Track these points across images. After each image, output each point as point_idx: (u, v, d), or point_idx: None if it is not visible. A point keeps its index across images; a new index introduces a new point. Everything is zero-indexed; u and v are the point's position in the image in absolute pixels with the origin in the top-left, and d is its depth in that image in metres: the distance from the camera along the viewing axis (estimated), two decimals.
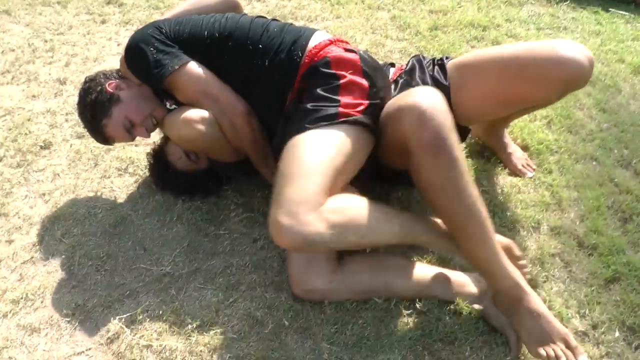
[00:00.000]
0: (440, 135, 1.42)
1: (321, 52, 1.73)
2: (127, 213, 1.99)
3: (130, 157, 2.21)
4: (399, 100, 1.54)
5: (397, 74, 1.92)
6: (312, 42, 1.77)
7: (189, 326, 1.60)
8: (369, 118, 1.60)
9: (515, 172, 2.18)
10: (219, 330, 1.60)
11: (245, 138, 1.85)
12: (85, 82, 1.98)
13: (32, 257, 1.83)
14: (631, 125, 2.45)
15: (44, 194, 2.05)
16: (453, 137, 1.44)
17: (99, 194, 2.06)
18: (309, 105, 1.61)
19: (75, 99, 2.14)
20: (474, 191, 1.48)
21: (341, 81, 1.64)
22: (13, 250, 1.85)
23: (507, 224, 1.95)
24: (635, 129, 2.42)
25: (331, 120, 1.56)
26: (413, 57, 1.99)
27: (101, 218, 1.96)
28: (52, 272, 1.78)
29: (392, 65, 2.01)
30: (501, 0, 3.44)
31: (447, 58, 1.92)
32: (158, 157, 2.05)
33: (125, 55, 1.88)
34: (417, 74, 1.87)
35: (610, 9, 3.39)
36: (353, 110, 1.58)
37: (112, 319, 1.64)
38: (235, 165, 2.01)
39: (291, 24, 1.89)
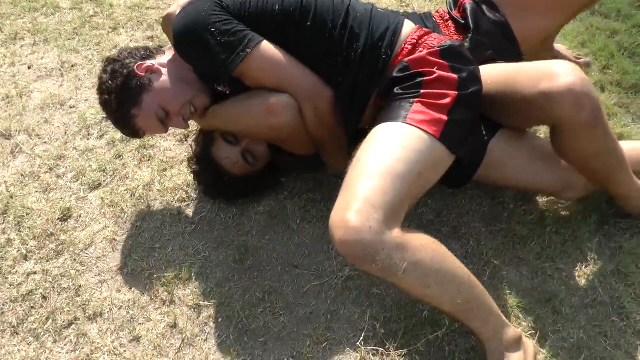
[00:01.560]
0: (597, 111, 1.37)
1: (415, 48, 1.49)
2: (242, 239, 1.67)
3: (184, 181, 1.83)
4: (536, 83, 1.39)
5: (462, 36, 1.70)
6: (403, 37, 1.51)
7: None
8: (458, 125, 1.37)
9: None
10: None
11: (328, 126, 1.59)
12: (108, 63, 1.60)
13: (185, 339, 1.46)
14: None
15: (120, 268, 1.62)
16: (601, 106, 1.40)
17: (187, 236, 1.69)
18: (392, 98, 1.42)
19: (41, 147, 1.87)
20: (618, 144, 1.49)
21: (428, 77, 1.40)
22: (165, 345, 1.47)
23: None
24: None
25: (409, 100, 1.37)
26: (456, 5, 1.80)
27: (220, 259, 1.63)
28: (229, 344, 1.46)
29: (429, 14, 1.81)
30: None
31: None
32: (208, 164, 1.73)
33: (178, 42, 1.51)
34: (483, 28, 1.69)
35: None
36: (437, 102, 1.36)
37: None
38: (300, 160, 1.76)
39: (373, 5, 1.59)
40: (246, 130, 1.61)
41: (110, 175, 1.85)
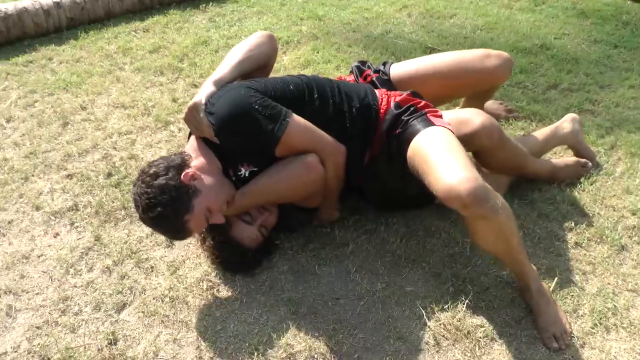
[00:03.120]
0: (501, 134, 2.06)
1: (389, 99, 2.01)
2: (283, 297, 1.91)
3: (201, 273, 1.98)
4: (464, 125, 1.99)
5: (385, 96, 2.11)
6: (377, 93, 2.04)
7: None
8: None
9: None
10: None
11: (341, 177, 1.99)
12: (151, 179, 1.76)
13: None
14: None
15: (200, 358, 1.71)
16: (501, 128, 2.10)
17: (237, 311, 1.86)
18: (404, 119, 1.90)
19: (37, 299, 1.91)
20: (518, 144, 2.19)
21: (419, 105, 1.95)
22: None
23: None
24: None
25: (423, 117, 1.88)
26: (358, 70, 2.30)
27: (281, 315, 1.84)
28: None
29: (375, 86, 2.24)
30: None
31: (384, 66, 2.29)
32: (232, 247, 1.96)
33: (228, 124, 1.80)
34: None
35: None
36: (437, 114, 1.91)
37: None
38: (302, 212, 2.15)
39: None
40: (285, 193, 1.92)
41: (130, 293, 1.91)
